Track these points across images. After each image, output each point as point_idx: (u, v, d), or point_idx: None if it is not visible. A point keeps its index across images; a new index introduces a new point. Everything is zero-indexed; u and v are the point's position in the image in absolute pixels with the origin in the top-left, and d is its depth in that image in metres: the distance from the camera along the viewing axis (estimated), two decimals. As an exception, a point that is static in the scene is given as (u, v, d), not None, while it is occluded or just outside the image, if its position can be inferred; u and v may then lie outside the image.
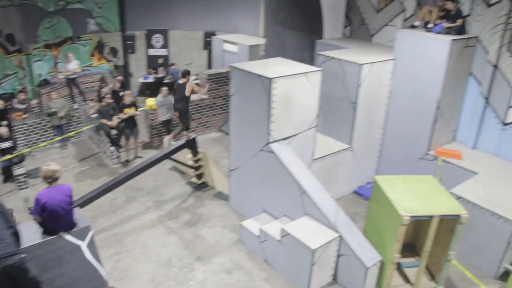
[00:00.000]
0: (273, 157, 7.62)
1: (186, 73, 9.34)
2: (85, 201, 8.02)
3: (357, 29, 11.55)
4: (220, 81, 12.72)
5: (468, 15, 9.18)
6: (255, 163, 8.10)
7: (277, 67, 7.89)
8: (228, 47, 14.21)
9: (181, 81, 9.31)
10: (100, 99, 11.37)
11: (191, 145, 9.39)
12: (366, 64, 8.82)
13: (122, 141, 11.11)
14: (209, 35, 15.70)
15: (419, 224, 7.68)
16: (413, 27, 9.63)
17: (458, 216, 6.50)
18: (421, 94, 9.13)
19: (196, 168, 9.83)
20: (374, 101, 9.42)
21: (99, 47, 15.67)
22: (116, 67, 15.96)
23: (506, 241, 7.33)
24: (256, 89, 7.53)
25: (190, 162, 9.82)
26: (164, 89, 11.38)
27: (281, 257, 7.21)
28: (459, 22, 8.90)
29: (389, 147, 10.05)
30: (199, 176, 9.97)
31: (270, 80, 7.22)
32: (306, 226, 7.06)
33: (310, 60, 10.79)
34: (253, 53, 13.39)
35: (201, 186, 10.02)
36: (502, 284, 7.50)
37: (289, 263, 7.10)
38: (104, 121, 10.64)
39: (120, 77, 12.75)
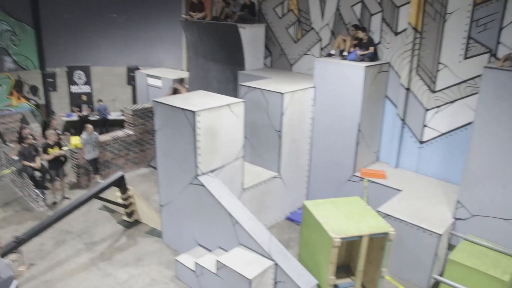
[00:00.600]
0: (203, 190, 7.61)
1: (181, 80, 10.33)
2: (9, 249, 7.50)
3: (278, 59, 11.96)
4: (146, 116, 12.58)
5: (379, 43, 9.81)
6: (185, 197, 8.04)
7: (200, 100, 7.97)
8: (152, 81, 14.15)
9: (177, 86, 10.04)
10: (21, 140, 10.87)
11: (120, 182, 9.16)
12: (288, 93, 9.12)
13: (48, 183, 10.63)
14: (132, 70, 15.57)
15: (351, 245, 7.92)
16: (330, 55, 10.12)
17: (386, 233, 6.79)
18: (342, 119, 9.55)
19: (127, 206, 9.59)
20: (298, 128, 9.72)
21: (18, 86, 15.06)
22: (37, 106, 15.35)
23: (433, 253, 7.73)
24: (180, 123, 7.54)
25: (120, 200, 9.58)
26: (89, 127, 11.09)
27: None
28: (371, 49, 9.48)
29: (316, 172, 10.36)
30: (130, 214, 9.72)
31: (193, 113, 7.27)
32: (241, 256, 7.06)
33: (234, 91, 10.99)
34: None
35: (133, 224, 9.76)
36: (433, 295, 7.90)
37: (227, 295, 7.05)
38: (27, 163, 10.16)
39: (55, 118, 12.41)
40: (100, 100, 15.44)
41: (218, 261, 6.95)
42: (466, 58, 8.70)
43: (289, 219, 10.18)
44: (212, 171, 7.90)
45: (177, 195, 8.17)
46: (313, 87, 9.73)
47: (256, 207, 9.23)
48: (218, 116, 7.74)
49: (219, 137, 7.85)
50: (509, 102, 7.06)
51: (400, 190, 9.01)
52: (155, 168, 12.11)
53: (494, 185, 7.52)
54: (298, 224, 9.73)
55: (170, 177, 8.20)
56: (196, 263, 7.37)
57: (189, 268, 7.56)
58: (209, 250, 7.88)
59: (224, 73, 11.88)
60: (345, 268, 8.12)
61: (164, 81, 13.65)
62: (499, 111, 7.20)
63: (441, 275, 7.97)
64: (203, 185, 7.60)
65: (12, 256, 6.86)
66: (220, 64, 11.98)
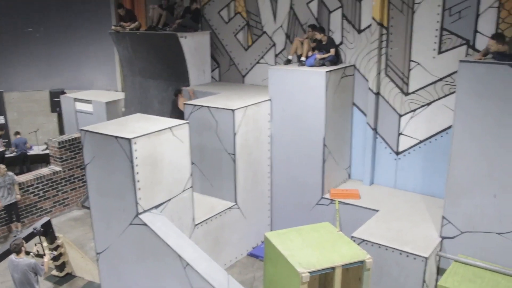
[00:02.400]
0: (146, 230, 7.54)
1: (178, 92, 10.96)
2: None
3: (227, 70, 12.11)
4: (76, 148, 12.44)
5: (341, 43, 10.09)
6: (126, 241, 7.94)
7: (137, 125, 7.96)
8: (81, 106, 14.02)
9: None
10: None
11: (46, 230, 8.98)
12: (239, 109, 9.23)
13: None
14: (56, 94, 15.37)
15: (324, 278, 7.98)
16: (288, 61, 10.32)
17: (362, 262, 6.87)
18: (305, 134, 9.71)
19: (55, 258, 9.39)
20: (254, 148, 9.83)
21: None
22: None
23: (420, 280, 7.86)
24: (114, 153, 7.50)
25: (47, 252, 9.37)
26: (2, 167, 10.87)
27: None
28: (331, 52, 9.73)
29: (280, 198, 10.45)
30: (61, 267, 9.53)
31: (129, 141, 7.26)
32: (195, 305, 7.02)
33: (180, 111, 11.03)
34: (112, 110, 13.33)
35: (65, 278, 9.57)
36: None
37: None
38: None
39: None
40: (18, 133, 15.17)
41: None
42: (440, 52, 9.05)
43: (252, 255, 10.21)
44: (155, 207, 7.85)
45: (116, 239, 8.07)
46: (269, 99, 9.88)
47: (212, 244, 9.20)
48: (159, 142, 7.74)
49: (162, 167, 7.84)
50: (490, 99, 7.32)
51: (377, 210, 9.18)
52: (89, 208, 11.96)
53: (483, 195, 7.75)
54: (262, 260, 9.73)
55: (106, 218, 8.10)
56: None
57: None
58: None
59: (166, 92, 11.93)
60: (320, 306, 8.19)
61: (95, 105, 13.55)
62: (480, 110, 7.46)
63: (432, 304, 8.13)
64: (145, 225, 7.54)
65: None
66: (161, 81, 12.03)
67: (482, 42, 8.38)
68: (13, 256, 7.49)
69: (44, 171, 12.15)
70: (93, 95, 14.28)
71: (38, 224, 8.07)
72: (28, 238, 8.41)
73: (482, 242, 7.95)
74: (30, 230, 8.77)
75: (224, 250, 9.60)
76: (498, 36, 7.36)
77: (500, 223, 7.72)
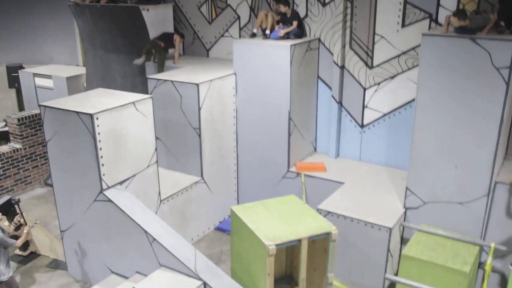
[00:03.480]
0: (111, 206, 7.52)
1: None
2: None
3: (191, 44, 12.01)
4: (36, 124, 12.22)
5: (305, 16, 10.10)
6: (91, 217, 7.91)
7: (99, 100, 7.86)
8: (41, 82, 13.73)
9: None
10: None
11: (6, 209, 8.86)
12: (204, 83, 9.20)
13: None
14: (14, 69, 14.96)
15: (291, 251, 8.13)
16: (254, 35, 10.29)
17: (328, 234, 7.01)
18: (270, 108, 9.75)
19: (18, 237, 9.28)
20: (220, 123, 9.84)
21: None
22: None
23: (385, 249, 8.08)
24: (76, 129, 7.41)
25: (10, 231, 9.26)
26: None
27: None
28: (294, 24, 9.73)
29: (246, 172, 10.52)
30: (24, 246, 9.38)
31: (91, 116, 7.18)
32: (162, 279, 7.03)
33: (143, 86, 10.91)
34: (73, 85, 13.11)
35: (28, 258, 9.44)
36: (389, 296, 8.28)
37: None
38: None
39: None
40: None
41: (135, 289, 6.91)
42: (404, 26, 9.14)
43: (219, 229, 10.30)
44: (120, 183, 7.82)
45: (81, 216, 8.03)
46: (234, 73, 9.87)
47: (179, 219, 9.24)
48: (122, 117, 7.68)
49: (125, 142, 7.79)
50: (452, 72, 7.48)
51: (342, 183, 9.35)
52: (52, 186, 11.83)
53: (445, 167, 7.97)
54: (229, 234, 9.82)
55: (70, 195, 8.03)
56: (111, 295, 7.30)
57: (103, 303, 7.48)
58: (126, 278, 7.81)
59: (129, 66, 11.75)
60: (288, 279, 8.33)
61: (56, 80, 13.29)
62: (442, 84, 7.62)
63: (396, 273, 8.36)
64: (110, 201, 7.52)
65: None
66: (123, 55, 11.83)
67: (444, 16, 8.50)
68: None
69: (3, 148, 11.90)
70: (53, 70, 13.98)
71: (15, 196, 7.86)
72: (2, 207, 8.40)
73: (443, 212, 8.20)
74: (4, 199, 8.69)
75: (191, 225, 9.66)
76: (459, 13, 7.48)
77: (460, 193, 7.97)
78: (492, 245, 7.73)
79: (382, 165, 10.06)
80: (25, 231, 7.62)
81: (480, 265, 8.17)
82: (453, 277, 7.42)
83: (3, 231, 7.26)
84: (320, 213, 8.29)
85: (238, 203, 10.73)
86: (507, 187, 7.73)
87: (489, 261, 7.64)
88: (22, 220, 7.67)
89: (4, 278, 7.19)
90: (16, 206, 7.69)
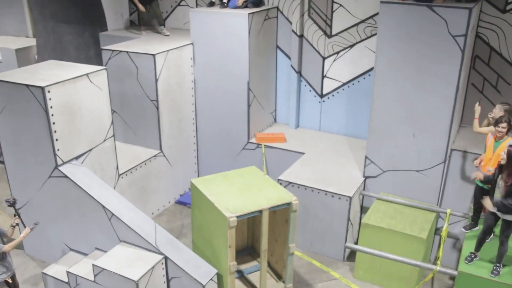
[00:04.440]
0: (67, 182, 7.38)
1: None
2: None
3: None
4: (-14, 99, 11.85)
5: (263, -16, 9.99)
6: (46, 194, 7.75)
7: (50, 73, 7.62)
8: (-12, 54, 13.26)
9: None
10: None
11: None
12: (160, 54, 9.03)
13: None
14: (-41, 42, 14.43)
15: (253, 223, 8.17)
16: (212, 4, 10.12)
17: (288, 204, 7.06)
18: (228, 78, 9.68)
19: (-29, 217, 9.08)
20: (178, 94, 9.72)
21: None
22: None
23: (345, 219, 8.22)
24: (27, 103, 7.18)
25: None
26: None
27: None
28: None
29: (206, 144, 10.47)
30: (-22, 226, 9.20)
31: (42, 89, 6.97)
32: (122, 255, 6.99)
33: (97, 58, 10.64)
34: (23, 58, 12.67)
35: (-17, 238, 9.26)
36: (351, 265, 8.42)
37: (111, 303, 7.00)
38: None
39: None
40: None
41: (94, 266, 6.83)
42: (363, -7, 9.13)
43: (179, 202, 10.29)
44: (76, 158, 7.67)
45: (36, 193, 7.86)
46: (191, 43, 9.72)
47: (138, 194, 9.17)
48: (76, 89, 7.48)
49: (80, 116, 7.61)
50: (410, 40, 7.54)
51: (302, 153, 9.41)
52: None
53: (403, 135, 8.10)
54: (190, 207, 9.82)
55: (23, 172, 7.84)
56: (69, 272, 7.19)
57: (61, 280, 7.35)
58: (85, 254, 7.73)
59: (82, 37, 11.41)
60: (250, 250, 8.40)
61: (4, 52, 12.82)
62: (400, 52, 7.68)
63: (356, 242, 8.52)
64: (66, 177, 7.37)
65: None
66: (75, 25, 11.46)
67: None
68: None
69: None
70: (1, 41, 13.45)
71: (9, 198, 7.04)
72: None
73: (402, 180, 8.37)
74: None
75: (151, 199, 9.59)
76: None
77: (418, 161, 8.13)
78: (448, 211, 7.94)
79: (342, 135, 10.16)
80: (22, 235, 6.72)
81: (437, 231, 8.40)
82: (411, 243, 7.62)
83: (3, 234, 6.85)
84: (280, 183, 8.35)
85: (198, 176, 10.69)
86: (462, 154, 7.92)
87: (445, 226, 7.85)
88: (19, 222, 7.05)
89: None
90: (12, 207, 7.01)
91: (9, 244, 6.64)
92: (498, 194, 6.42)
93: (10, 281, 6.93)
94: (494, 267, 6.65)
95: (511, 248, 6.85)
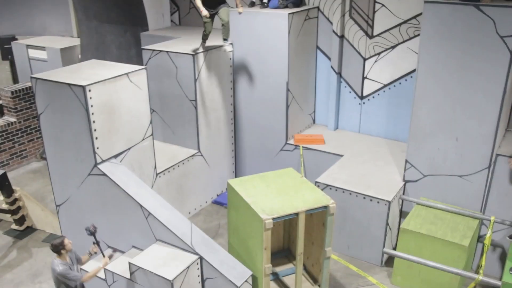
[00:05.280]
0: (106, 180, 7.45)
1: None
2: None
3: (187, 14, 11.79)
4: (31, 97, 12.11)
5: (304, -16, 9.89)
6: (85, 192, 7.84)
7: (92, 72, 7.72)
8: (34, 53, 13.55)
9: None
10: None
11: (1, 183, 8.81)
12: (200, 54, 9.07)
13: None
14: (7, 40, 14.76)
15: (289, 225, 8.09)
16: (252, 4, 10.09)
17: (325, 207, 6.95)
18: (268, 79, 9.63)
19: (14, 212, 9.26)
20: (216, 94, 9.72)
21: None
22: None
23: (384, 223, 8.06)
24: (68, 102, 7.28)
25: (4, 206, 9.24)
26: None
27: (138, 298, 7.10)
28: None
29: (244, 144, 10.44)
30: (20, 221, 9.40)
31: (83, 88, 7.05)
32: (158, 254, 7.01)
33: (138, 57, 10.76)
34: (67, 57, 12.94)
35: (25, 232, 9.47)
36: (389, 270, 8.25)
37: (147, 301, 7.03)
38: None
39: None
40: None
41: (131, 264, 6.87)
42: (405, -6, 8.94)
43: (216, 202, 10.29)
44: (115, 157, 7.73)
45: (76, 190, 7.97)
46: (231, 43, 9.71)
47: (175, 193, 9.20)
48: (116, 89, 7.54)
49: (119, 115, 7.67)
50: (454, 41, 7.33)
51: (341, 155, 9.27)
52: (48, 160, 11.79)
53: (445, 139, 7.88)
54: (227, 208, 9.82)
55: (64, 169, 7.95)
56: (106, 269, 7.26)
57: (98, 277, 7.43)
58: (122, 252, 7.79)
59: (124, 36, 11.58)
60: (286, 253, 8.32)
61: (50, 52, 13.12)
62: (444, 53, 7.46)
63: (395, 247, 8.34)
64: (105, 175, 7.45)
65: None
66: (117, 25, 11.64)
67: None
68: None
69: (-1, 122, 11.84)
70: (47, 41, 13.78)
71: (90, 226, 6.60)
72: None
73: (443, 185, 8.14)
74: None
75: (188, 198, 9.62)
76: None
77: (461, 165, 7.89)
78: (492, 218, 7.67)
79: (382, 137, 9.98)
80: (101, 266, 6.60)
81: (480, 238, 8.14)
82: (452, 250, 7.40)
83: (78, 260, 6.59)
84: (318, 186, 8.24)
85: (235, 176, 10.67)
86: (508, 160, 7.65)
87: (488, 234, 7.60)
88: (97, 251, 6.64)
89: None
90: (92, 235, 6.83)
91: (88, 275, 6.40)
92: None
93: None
94: None
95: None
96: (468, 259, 7.66)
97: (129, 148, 7.98)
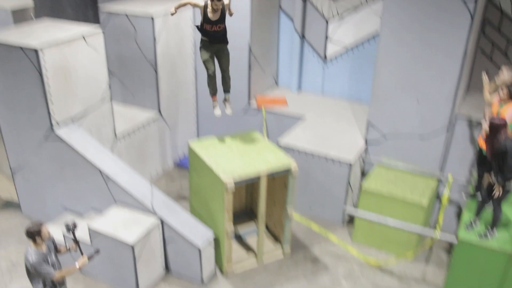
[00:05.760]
0: (63, 145, 7.29)
1: None
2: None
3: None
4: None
5: None
6: (42, 157, 7.67)
7: (45, 33, 7.44)
8: (-17, 16, 13.02)
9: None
10: None
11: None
12: (160, 15, 8.84)
13: None
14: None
15: (252, 186, 8.10)
16: None
17: (287, 170, 6.97)
18: (230, 40, 9.44)
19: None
20: (177, 56, 9.55)
21: None
22: None
23: (345, 183, 8.14)
24: (21, 65, 7.02)
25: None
26: None
27: (98, 260, 6.99)
28: None
29: (206, 107, 10.30)
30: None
31: (36, 51, 6.80)
32: (118, 217, 6.95)
33: (95, 18, 10.43)
34: (19, 19, 12.43)
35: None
36: (350, 230, 8.37)
37: (108, 266, 6.97)
38: None
39: None
40: None
41: (90, 228, 6.79)
42: (370, -45, 8.86)
43: (179, 165, 10.23)
44: (72, 121, 7.56)
45: (32, 155, 7.79)
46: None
47: (136, 156, 9.09)
48: (71, 52, 7.31)
49: (76, 78, 7.46)
50: (417, 4, 7.29)
51: (304, 117, 9.26)
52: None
53: (406, 100, 7.92)
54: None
55: (19, 134, 7.74)
56: (65, 235, 7.14)
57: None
58: (81, 215, 7.70)
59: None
60: (248, 213, 8.37)
61: (0, 14, 12.61)
62: (406, 16, 7.44)
63: (356, 207, 8.45)
64: (61, 139, 7.28)
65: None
66: (73, -17, 11.28)
67: None
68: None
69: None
70: (-2, 2, 13.25)
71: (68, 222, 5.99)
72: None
73: (404, 146, 8.23)
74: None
75: (149, 161, 9.53)
76: None
77: (421, 126, 7.98)
78: (450, 177, 7.81)
79: (345, 99, 9.98)
80: (77, 265, 5.65)
81: (438, 197, 8.29)
82: (411, 209, 7.54)
83: (57, 245, 5.82)
84: (280, 148, 8.23)
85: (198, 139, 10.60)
86: (467, 121, 7.74)
87: (446, 193, 7.75)
88: (76, 250, 5.84)
89: None
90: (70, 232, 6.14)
91: (60, 274, 5.60)
92: None
93: None
94: (485, 232, 6.52)
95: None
96: (426, 217, 7.82)
97: (86, 112, 7.79)
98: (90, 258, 5.72)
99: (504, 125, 5.95)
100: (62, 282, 5.80)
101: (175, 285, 7.24)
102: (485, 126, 6.14)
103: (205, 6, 6.97)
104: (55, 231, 7.27)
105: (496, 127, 5.93)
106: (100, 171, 7.14)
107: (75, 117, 7.62)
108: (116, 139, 8.55)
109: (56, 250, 5.76)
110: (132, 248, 6.52)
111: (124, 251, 6.63)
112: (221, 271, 7.42)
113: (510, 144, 5.89)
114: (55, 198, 8.03)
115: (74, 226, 5.71)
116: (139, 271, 6.80)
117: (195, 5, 7.14)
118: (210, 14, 6.98)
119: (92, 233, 6.81)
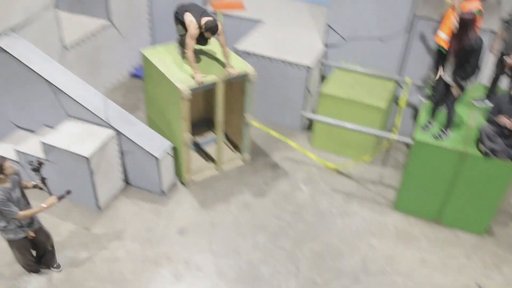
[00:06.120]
0: (6, 56, 6.82)
1: None
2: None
3: None
4: None
5: None
6: (-17, 69, 7.24)
7: None
8: None
9: None
10: None
11: None
12: None
13: None
14: None
15: (209, 94, 7.91)
16: None
17: (245, 75, 6.79)
18: None
19: None
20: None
21: None
22: None
23: (303, 88, 8.05)
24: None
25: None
26: None
27: (55, 177, 6.84)
28: None
29: (160, 12, 9.87)
30: None
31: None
32: (72, 131, 6.72)
33: None
34: None
35: None
36: (310, 135, 8.37)
37: (66, 182, 6.80)
38: None
39: None
40: None
41: (44, 143, 6.55)
42: None
43: (135, 76, 9.92)
44: (12, 30, 7.04)
45: (-29, 68, 7.33)
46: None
47: (88, 67, 8.70)
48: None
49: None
50: None
51: (261, 21, 8.98)
52: None
53: (366, 2, 7.73)
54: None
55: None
56: (18, 151, 6.90)
57: (11, 160, 7.08)
58: (32, 131, 7.41)
59: None
60: (206, 122, 8.25)
61: None
62: None
63: (315, 112, 8.40)
64: (3, 50, 6.82)
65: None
66: None
67: None
68: None
69: None
70: None
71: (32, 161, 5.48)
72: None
73: (363, 49, 8.16)
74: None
75: (102, 72, 9.16)
76: None
77: (380, 28, 7.86)
78: (408, 80, 7.78)
79: (304, 2, 9.66)
80: (44, 205, 5.31)
81: (396, 100, 8.30)
82: (369, 113, 7.55)
83: (19, 179, 5.42)
84: (237, 53, 7.98)
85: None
86: (426, 22, 7.59)
87: (404, 95, 7.74)
88: (43, 188, 5.51)
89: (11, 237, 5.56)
90: (36, 172, 5.46)
91: (24, 213, 5.24)
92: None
93: (33, 235, 5.72)
94: (440, 133, 6.57)
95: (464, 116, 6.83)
96: (384, 120, 7.87)
97: (29, 19, 7.24)
98: (60, 198, 5.42)
99: (473, 19, 5.87)
100: (31, 221, 5.54)
101: (135, 197, 7.21)
102: (455, 22, 6.02)
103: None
104: (8, 150, 7.05)
105: (466, 22, 5.84)
106: (48, 83, 6.78)
107: (16, 26, 7.08)
108: (64, 49, 8.08)
109: (21, 185, 5.43)
110: (88, 160, 6.35)
111: (80, 165, 6.46)
112: (181, 181, 7.39)
113: (479, 42, 5.86)
114: (4, 116, 7.64)
115: (40, 164, 5.41)
116: (97, 184, 6.69)
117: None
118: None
119: (46, 147, 6.58)
